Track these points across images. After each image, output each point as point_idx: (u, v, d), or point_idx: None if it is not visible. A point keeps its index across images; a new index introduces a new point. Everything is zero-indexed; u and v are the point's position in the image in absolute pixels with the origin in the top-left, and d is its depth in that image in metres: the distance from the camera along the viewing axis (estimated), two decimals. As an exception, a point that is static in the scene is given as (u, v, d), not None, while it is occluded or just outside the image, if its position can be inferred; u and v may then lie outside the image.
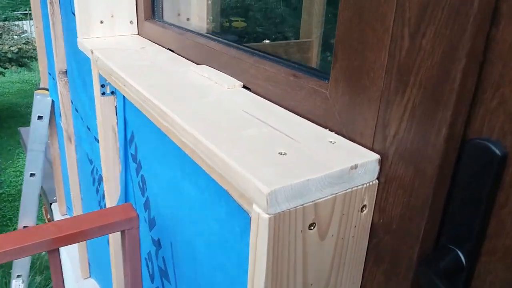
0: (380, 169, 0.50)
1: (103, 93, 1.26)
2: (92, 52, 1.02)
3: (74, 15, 1.18)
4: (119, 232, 0.88)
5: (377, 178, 0.51)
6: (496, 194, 0.42)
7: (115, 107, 1.29)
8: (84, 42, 1.09)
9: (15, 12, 14.36)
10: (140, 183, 1.19)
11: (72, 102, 2.04)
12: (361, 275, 0.55)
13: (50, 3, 1.86)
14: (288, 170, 0.47)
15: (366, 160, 0.49)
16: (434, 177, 0.44)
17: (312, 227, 0.48)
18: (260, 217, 0.44)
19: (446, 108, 0.41)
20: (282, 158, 0.49)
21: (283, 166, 0.47)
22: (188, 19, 1.23)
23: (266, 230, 0.44)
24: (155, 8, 1.14)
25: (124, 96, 1.20)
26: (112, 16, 1.15)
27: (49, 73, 2.42)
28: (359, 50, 0.50)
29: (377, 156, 0.49)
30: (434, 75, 0.42)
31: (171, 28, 1.02)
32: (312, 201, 0.46)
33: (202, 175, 0.80)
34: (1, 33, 8.31)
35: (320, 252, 0.50)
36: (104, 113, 1.25)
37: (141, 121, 1.10)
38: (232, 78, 0.76)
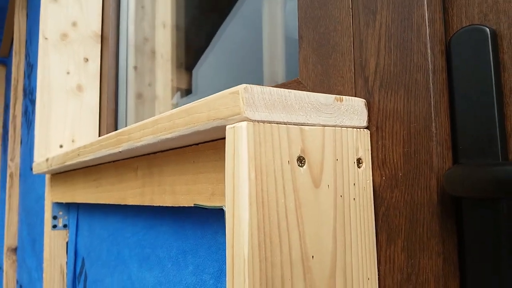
0: (369, 116, 0.44)
1: (54, 226, 1.14)
2: (47, 160, 0.96)
3: (32, 169, 1.15)
4: None
5: (368, 128, 0.44)
6: (500, 77, 0.37)
7: (66, 242, 1.15)
8: (40, 162, 1.04)
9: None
10: (88, 323, 0.97)
11: (17, 282, 1.80)
12: (376, 260, 0.42)
13: (9, 175, 1.83)
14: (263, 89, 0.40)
15: (352, 97, 0.43)
16: (430, 86, 0.39)
17: (302, 164, 0.38)
18: (236, 129, 0.36)
19: (419, 6, 0.40)
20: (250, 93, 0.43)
21: (256, 90, 0.40)
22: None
23: (245, 143, 0.35)
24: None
25: (77, 224, 1.09)
26: (73, 141, 1.13)
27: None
28: (321, 17, 0.50)
29: (363, 100, 0.44)
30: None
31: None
32: (297, 124, 0.38)
33: (161, 239, 0.67)
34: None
35: (316, 204, 0.39)
36: (53, 249, 1.11)
37: (95, 230, 0.97)
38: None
